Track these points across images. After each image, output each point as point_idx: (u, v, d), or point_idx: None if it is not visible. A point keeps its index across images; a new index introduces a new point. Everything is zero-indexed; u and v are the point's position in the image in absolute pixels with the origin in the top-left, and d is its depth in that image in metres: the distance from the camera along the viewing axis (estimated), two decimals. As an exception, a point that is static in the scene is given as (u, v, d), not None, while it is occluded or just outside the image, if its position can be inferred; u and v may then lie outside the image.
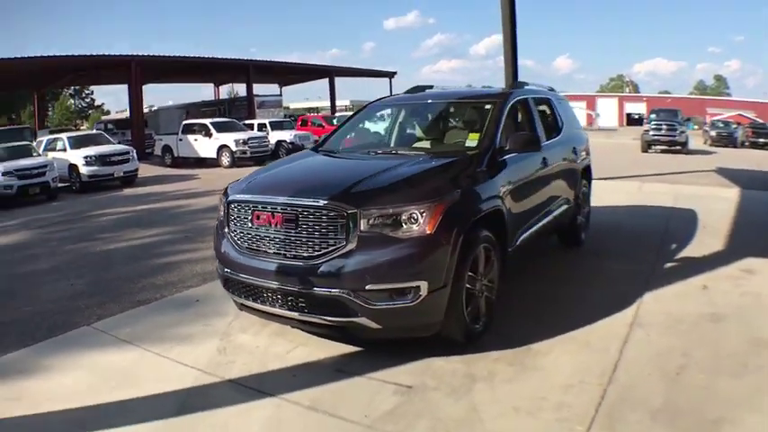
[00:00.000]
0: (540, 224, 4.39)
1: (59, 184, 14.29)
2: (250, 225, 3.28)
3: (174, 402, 2.83)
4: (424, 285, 2.91)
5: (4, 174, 12.85)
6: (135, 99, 25.65)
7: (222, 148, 18.54)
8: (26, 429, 2.67)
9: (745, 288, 4.15)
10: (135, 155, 16.03)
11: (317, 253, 3.01)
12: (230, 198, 3.47)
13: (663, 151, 20.54)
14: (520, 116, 4.54)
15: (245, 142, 18.27)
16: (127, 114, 30.67)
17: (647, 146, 21.07)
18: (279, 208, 3.15)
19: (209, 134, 18.96)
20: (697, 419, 2.49)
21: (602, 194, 8.58)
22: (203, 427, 2.59)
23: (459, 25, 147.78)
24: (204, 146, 18.92)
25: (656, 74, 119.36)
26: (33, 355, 3.51)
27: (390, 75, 39.95)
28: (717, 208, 7.28)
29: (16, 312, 4.58)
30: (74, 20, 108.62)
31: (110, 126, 29.54)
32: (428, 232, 2.95)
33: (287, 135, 20.83)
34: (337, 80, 36.57)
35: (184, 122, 20.81)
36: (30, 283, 5.51)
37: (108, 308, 4.55)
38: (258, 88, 32.45)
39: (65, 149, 15.69)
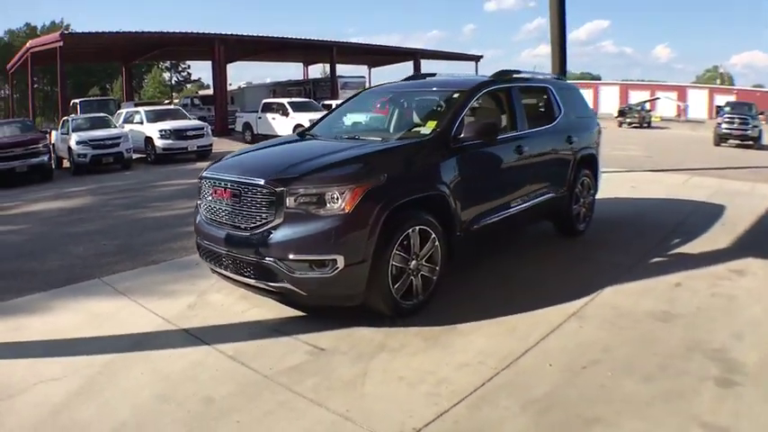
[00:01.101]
0: (513, 210, 4.59)
1: (135, 156, 15.98)
2: (210, 198, 3.85)
3: (130, 342, 3.45)
4: (340, 259, 3.29)
5: (79, 143, 14.61)
6: (218, 76, 27.57)
7: (297, 127, 19.65)
8: (12, 351, 3.42)
9: (721, 289, 4.07)
10: (209, 130, 17.38)
11: (252, 225, 3.50)
12: (201, 174, 4.05)
13: (737, 146, 19.32)
14: (494, 105, 4.74)
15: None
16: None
17: (719, 139, 20.11)
18: (228, 184, 3.67)
19: (285, 113, 20.05)
20: (569, 415, 2.54)
21: (643, 186, 8.58)
22: (139, 362, 3.18)
23: None
24: (281, 124, 19.95)
25: (753, 66, 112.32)
26: (44, 299, 4.33)
27: (476, 58, 40.52)
28: (749, 204, 6.98)
29: (47, 264, 5.53)
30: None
31: (195, 101, 32.01)
32: (346, 211, 3.31)
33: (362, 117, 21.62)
34: (426, 63, 37.55)
35: (264, 101, 22.17)
36: (70, 242, 6.52)
37: (123, 265, 5.36)
38: (348, 69, 33.82)
39: (142, 122, 17.37)
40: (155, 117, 17.62)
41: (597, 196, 6.32)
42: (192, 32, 26.61)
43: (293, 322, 3.69)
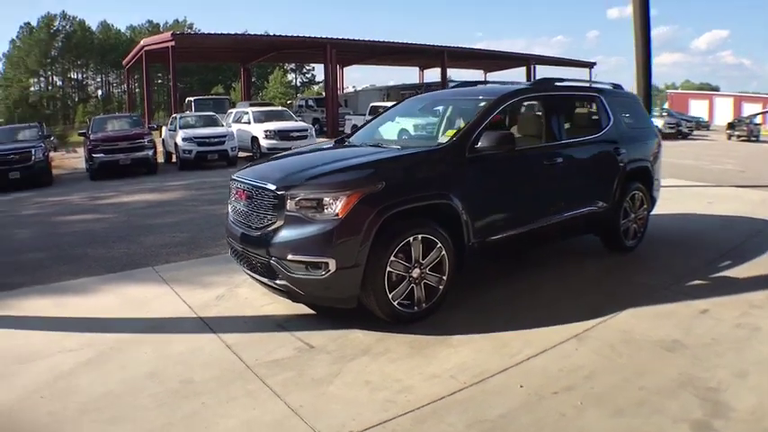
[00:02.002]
0: (542, 223, 4.57)
1: (242, 154, 17.32)
2: (234, 199, 4.26)
3: (149, 325, 3.95)
4: (332, 262, 3.50)
5: (185, 140, 16.13)
6: (329, 79, 29.13)
7: (403, 131, 20.26)
8: (47, 323, 4.07)
9: (749, 319, 3.78)
10: (313, 132, 18.34)
11: (261, 225, 3.83)
12: (231, 177, 4.48)
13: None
14: (528, 114, 4.69)
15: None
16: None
17: None
18: (246, 187, 4.04)
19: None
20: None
21: (720, 202, 8.02)
22: (148, 343, 3.64)
23: (681, 18, 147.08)
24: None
25: None
26: (95, 282, 5.05)
27: (590, 65, 41.27)
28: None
29: (113, 252, 6.35)
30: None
31: (310, 103, 33.92)
32: (339, 217, 3.51)
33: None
34: (540, 69, 37.78)
35: (372, 104, 23.06)
36: (143, 232, 7.39)
37: (180, 256, 6.02)
38: (465, 74, 34.38)
39: (249, 122, 18.79)
40: (261, 118, 18.89)
41: (666, 210, 5.95)
42: (303, 36, 28.26)
43: (298, 320, 3.98)
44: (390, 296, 3.68)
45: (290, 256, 3.62)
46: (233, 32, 28.77)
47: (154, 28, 74.16)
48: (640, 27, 8.62)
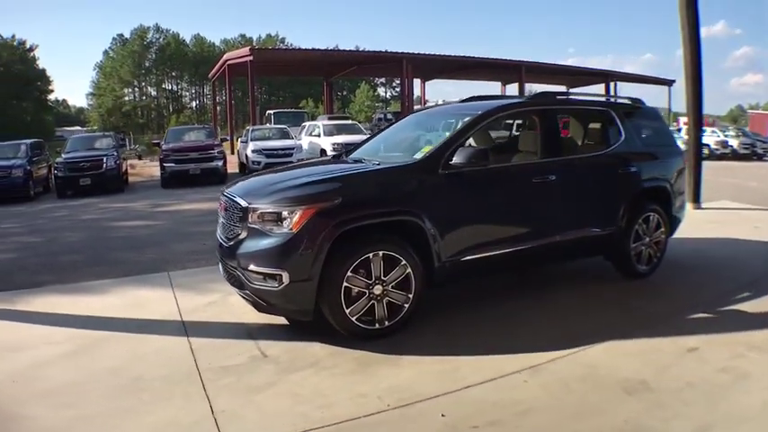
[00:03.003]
0: (530, 245, 4.49)
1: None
2: (219, 212, 4.58)
3: (136, 325, 4.37)
4: (285, 275, 3.68)
5: (254, 151, 17.21)
6: (405, 92, 29.88)
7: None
8: (52, 319, 4.58)
9: (739, 363, 3.50)
10: None
11: (232, 237, 4.11)
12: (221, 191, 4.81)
13: None
14: (518, 128, 4.67)
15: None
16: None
17: None
18: (225, 200, 4.34)
19: None
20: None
21: (766, 228, 7.42)
22: (126, 341, 4.04)
23: (765, 39, 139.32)
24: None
25: None
26: (112, 284, 5.61)
27: (669, 83, 41.61)
28: None
29: (143, 256, 7.00)
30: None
31: (388, 116, 34.86)
32: (293, 231, 3.70)
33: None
34: (620, 85, 39.71)
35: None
36: (179, 239, 8.03)
37: (199, 263, 6.51)
38: (546, 89, 34.18)
39: (319, 135, 19.77)
40: (333, 131, 19.82)
41: (703, 234, 5.66)
42: (380, 51, 29.38)
43: (270, 329, 4.20)
44: (348, 311, 3.79)
45: (251, 267, 3.86)
46: (310, 48, 30.21)
47: (246, 42, 78.85)
48: (689, 40, 8.19)
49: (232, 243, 4.09)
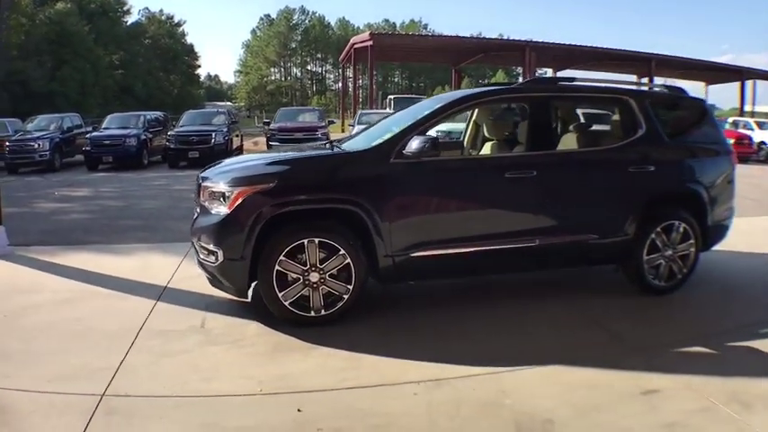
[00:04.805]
0: (502, 246, 4.34)
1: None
2: None
3: (128, 285, 5.11)
4: (220, 253, 4.06)
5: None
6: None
7: None
8: (67, 272, 5.51)
9: (696, 420, 2.99)
10: None
11: (195, 214, 4.53)
12: None
13: None
14: (502, 119, 4.75)
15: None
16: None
17: None
18: (197, 180, 4.67)
19: None
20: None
21: None
22: (107, 298, 4.79)
23: None
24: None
25: None
26: (142, 249, 6.55)
27: None
28: None
29: (182, 227, 7.73)
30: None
31: (512, 105, 34.40)
32: (227, 211, 4.03)
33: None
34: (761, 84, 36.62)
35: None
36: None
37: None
38: (684, 85, 32.30)
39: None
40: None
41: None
42: (502, 38, 28.79)
43: (230, 304, 4.60)
44: (281, 295, 4.03)
45: (198, 241, 4.30)
46: (430, 34, 30.66)
47: (390, 27, 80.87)
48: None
49: (194, 217, 4.52)
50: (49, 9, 44.36)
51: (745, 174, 14.64)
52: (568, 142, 4.89)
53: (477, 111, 5.65)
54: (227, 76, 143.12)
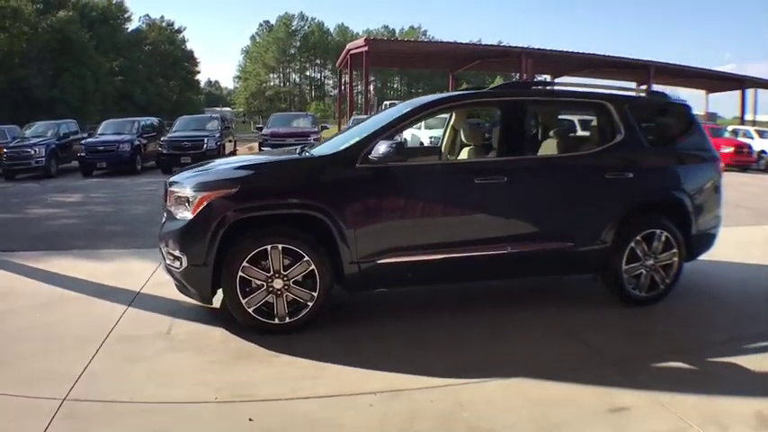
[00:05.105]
0: (471, 253, 4.32)
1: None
2: None
3: (102, 291, 5.18)
4: (185, 258, 4.08)
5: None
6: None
7: None
8: (48, 277, 5.61)
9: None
10: None
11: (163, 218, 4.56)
12: None
13: None
14: (474, 124, 4.66)
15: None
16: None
17: None
18: (165, 185, 4.69)
19: None
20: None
21: None
22: (81, 303, 4.88)
23: None
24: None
25: None
26: (121, 254, 6.67)
27: None
28: None
29: (151, 235, 7.73)
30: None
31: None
32: (189, 216, 4.07)
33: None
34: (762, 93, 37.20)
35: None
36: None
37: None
38: (683, 93, 33.13)
39: (420, 128, 20.30)
40: (434, 124, 20.22)
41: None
42: (497, 45, 28.97)
43: (199, 310, 4.63)
44: (245, 302, 4.05)
45: (164, 246, 4.32)
46: (425, 41, 30.97)
47: (389, 33, 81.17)
48: None
49: (162, 222, 4.55)
50: (51, 17, 44.57)
51: (743, 182, 14.86)
52: (545, 148, 4.88)
53: (454, 116, 5.70)
54: (227, 81, 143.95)
